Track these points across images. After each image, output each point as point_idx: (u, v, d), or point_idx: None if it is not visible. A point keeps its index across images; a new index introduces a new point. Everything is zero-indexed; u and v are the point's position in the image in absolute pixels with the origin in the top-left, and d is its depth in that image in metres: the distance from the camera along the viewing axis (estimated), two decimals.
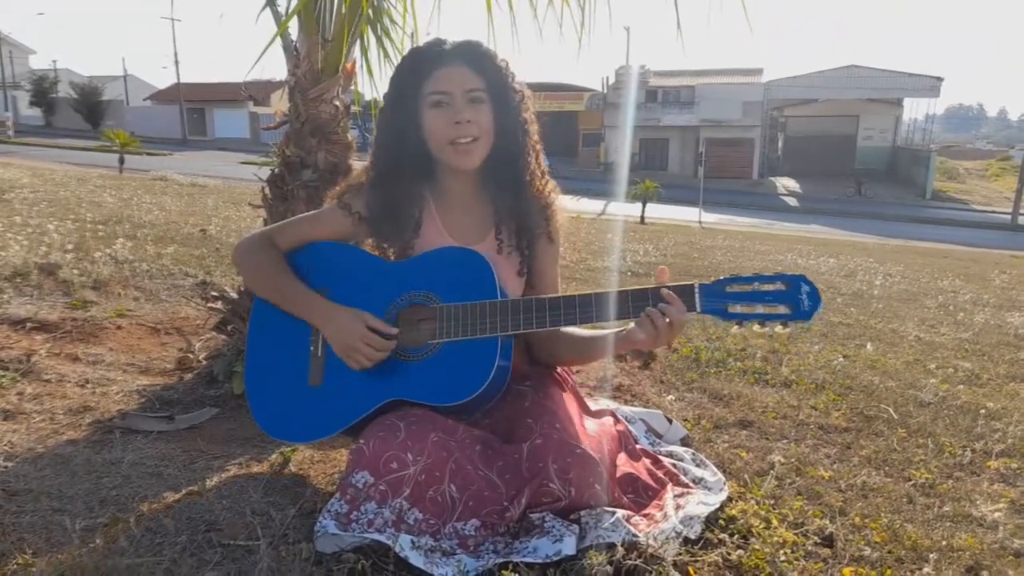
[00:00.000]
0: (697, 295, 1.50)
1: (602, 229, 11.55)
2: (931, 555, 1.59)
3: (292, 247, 1.75)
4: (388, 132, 1.71)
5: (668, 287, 1.51)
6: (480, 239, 1.74)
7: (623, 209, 18.40)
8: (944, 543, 1.66)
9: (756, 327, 1.48)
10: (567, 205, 1.84)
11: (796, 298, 1.47)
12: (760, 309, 1.47)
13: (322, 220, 1.77)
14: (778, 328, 1.48)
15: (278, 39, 2.51)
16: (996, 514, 1.83)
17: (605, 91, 37.05)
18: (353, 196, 1.74)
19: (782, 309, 1.47)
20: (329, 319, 1.61)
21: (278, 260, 1.71)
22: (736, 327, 1.50)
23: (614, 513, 1.48)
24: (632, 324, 1.54)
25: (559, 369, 1.85)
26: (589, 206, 20.06)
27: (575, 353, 1.77)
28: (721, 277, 1.51)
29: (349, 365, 1.59)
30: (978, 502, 1.90)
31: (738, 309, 1.48)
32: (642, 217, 17.82)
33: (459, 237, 1.73)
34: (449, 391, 1.55)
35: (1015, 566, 1.60)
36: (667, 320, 1.49)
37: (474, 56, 1.65)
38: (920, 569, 1.55)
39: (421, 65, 1.64)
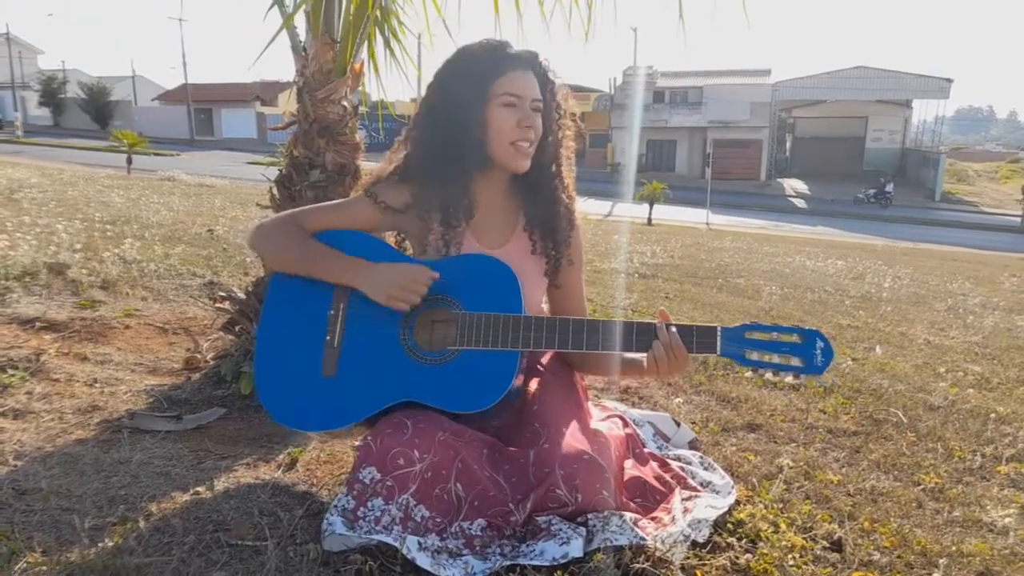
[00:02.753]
0: (719, 338, 1.54)
1: (609, 230, 11.54)
2: (941, 560, 1.58)
3: (316, 232, 1.71)
4: (441, 124, 1.67)
5: (688, 326, 1.56)
6: (503, 243, 1.75)
7: (630, 210, 18.35)
8: (954, 548, 1.65)
9: (769, 375, 1.54)
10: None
11: (810, 353, 1.51)
12: (775, 359, 1.53)
13: (351, 211, 1.75)
14: (789, 379, 1.53)
15: (286, 37, 2.51)
16: (1006, 519, 1.81)
17: (612, 92, 37.03)
18: (384, 189, 1.72)
19: (795, 362, 1.52)
20: (371, 272, 1.59)
21: (308, 235, 1.69)
22: (750, 373, 1.56)
23: (622, 516, 1.48)
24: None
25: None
26: (596, 207, 20.05)
27: (582, 361, 1.80)
28: (742, 323, 1.56)
29: (395, 308, 1.57)
30: (988, 507, 1.89)
31: (755, 356, 1.53)
32: (649, 218, 17.80)
33: (483, 239, 1.73)
34: (466, 400, 1.55)
35: None
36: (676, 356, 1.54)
37: (539, 68, 1.68)
38: (930, 574, 1.54)
39: (495, 63, 1.63)
